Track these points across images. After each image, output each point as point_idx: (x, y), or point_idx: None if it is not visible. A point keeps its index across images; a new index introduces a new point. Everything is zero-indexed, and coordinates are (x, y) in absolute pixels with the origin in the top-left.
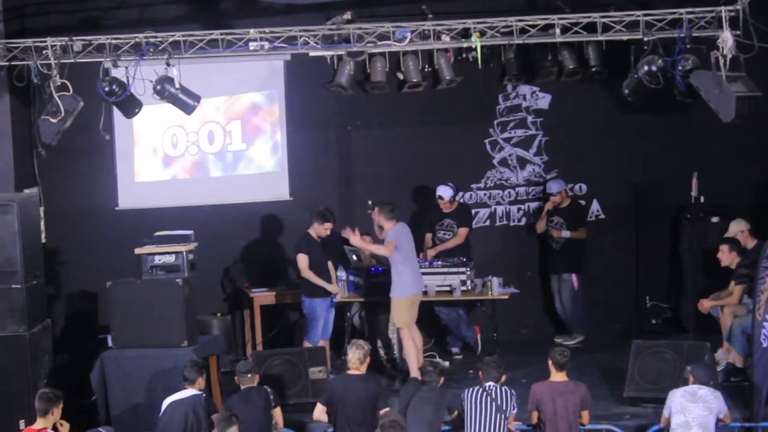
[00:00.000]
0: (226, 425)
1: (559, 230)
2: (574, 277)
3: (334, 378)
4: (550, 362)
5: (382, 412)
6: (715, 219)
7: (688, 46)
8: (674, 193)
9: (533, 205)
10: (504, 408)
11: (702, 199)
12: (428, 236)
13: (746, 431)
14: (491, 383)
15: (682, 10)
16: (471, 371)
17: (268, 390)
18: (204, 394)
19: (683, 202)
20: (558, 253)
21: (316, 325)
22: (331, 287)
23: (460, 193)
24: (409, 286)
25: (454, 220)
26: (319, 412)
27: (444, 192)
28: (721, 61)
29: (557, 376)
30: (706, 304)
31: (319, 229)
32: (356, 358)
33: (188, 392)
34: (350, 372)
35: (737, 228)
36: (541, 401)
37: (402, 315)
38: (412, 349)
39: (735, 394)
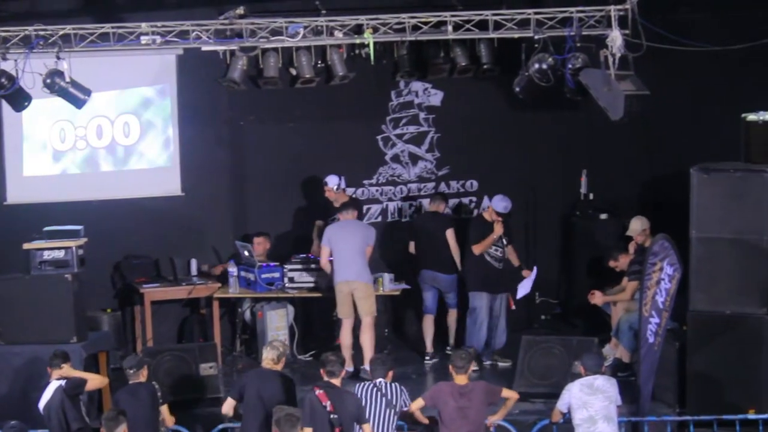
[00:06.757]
0: (114, 424)
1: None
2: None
3: (249, 373)
4: (450, 367)
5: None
6: (603, 216)
7: (578, 44)
8: (564, 190)
9: (425, 201)
10: (394, 403)
11: (591, 196)
12: (320, 223)
13: (633, 426)
14: (381, 379)
15: (573, 9)
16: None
17: (156, 386)
18: (62, 383)
19: (573, 199)
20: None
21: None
22: None
23: (352, 189)
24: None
25: None
26: (229, 407)
27: (329, 179)
28: (610, 59)
29: (459, 380)
30: (597, 298)
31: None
32: (270, 358)
33: (51, 389)
34: (266, 367)
35: (639, 226)
36: (440, 400)
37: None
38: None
39: (622, 389)
